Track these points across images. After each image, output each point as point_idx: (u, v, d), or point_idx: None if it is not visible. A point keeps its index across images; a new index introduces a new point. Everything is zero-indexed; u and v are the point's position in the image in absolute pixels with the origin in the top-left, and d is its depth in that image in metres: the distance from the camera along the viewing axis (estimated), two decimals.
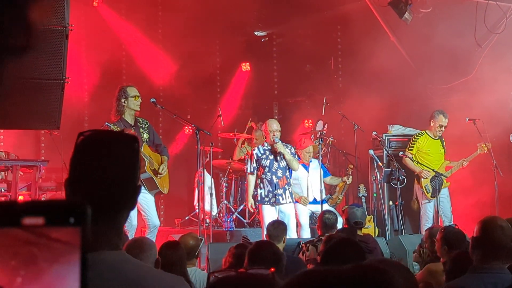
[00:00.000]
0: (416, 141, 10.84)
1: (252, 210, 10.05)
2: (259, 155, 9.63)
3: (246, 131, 12.48)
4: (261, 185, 9.60)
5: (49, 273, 0.99)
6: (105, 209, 1.84)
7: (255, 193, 9.65)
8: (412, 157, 10.73)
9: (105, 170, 1.87)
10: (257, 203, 9.63)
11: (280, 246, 6.42)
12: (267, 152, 9.62)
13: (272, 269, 2.63)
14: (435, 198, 10.45)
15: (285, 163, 9.58)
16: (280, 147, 9.49)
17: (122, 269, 1.85)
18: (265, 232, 9.22)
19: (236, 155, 12.49)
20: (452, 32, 11.39)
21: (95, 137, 1.95)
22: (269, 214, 9.44)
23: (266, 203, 9.49)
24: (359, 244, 4.08)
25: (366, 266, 1.34)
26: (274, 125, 9.60)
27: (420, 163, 10.65)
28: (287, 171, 9.66)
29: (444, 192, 10.70)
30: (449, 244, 5.62)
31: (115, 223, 1.89)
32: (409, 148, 10.88)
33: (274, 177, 9.52)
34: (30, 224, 0.98)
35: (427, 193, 10.55)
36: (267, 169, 9.56)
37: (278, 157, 9.57)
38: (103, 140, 1.96)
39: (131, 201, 1.93)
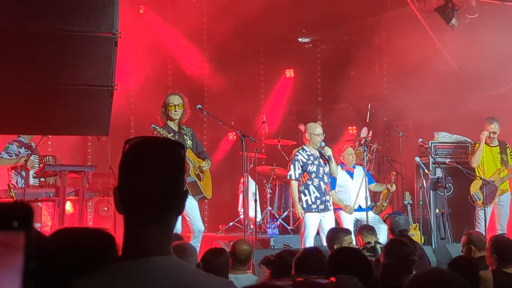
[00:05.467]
0: (472, 149, 10.79)
1: (302, 218, 9.35)
2: (304, 160, 9.31)
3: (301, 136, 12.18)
4: (306, 191, 9.22)
5: None
6: (155, 215, 1.90)
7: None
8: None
9: (153, 176, 1.92)
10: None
11: None
12: (312, 157, 9.32)
13: (332, 279, 2.60)
14: (490, 205, 10.36)
15: (328, 168, 9.36)
16: (330, 152, 9.29)
17: (173, 274, 1.88)
18: (304, 240, 9.18)
19: None
20: (499, 37, 11.24)
21: (142, 144, 1.99)
22: (314, 222, 9.20)
23: (314, 210, 9.16)
24: (363, 254, 4.13)
25: None
26: (317, 129, 9.37)
27: (471, 172, 10.59)
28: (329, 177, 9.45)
29: (504, 199, 10.56)
30: (498, 253, 5.54)
31: (165, 228, 1.93)
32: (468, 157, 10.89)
33: (321, 183, 9.21)
34: None
35: (478, 200, 10.42)
36: (313, 174, 9.22)
37: (323, 162, 9.34)
38: (150, 147, 1.99)
39: (179, 206, 1.97)
